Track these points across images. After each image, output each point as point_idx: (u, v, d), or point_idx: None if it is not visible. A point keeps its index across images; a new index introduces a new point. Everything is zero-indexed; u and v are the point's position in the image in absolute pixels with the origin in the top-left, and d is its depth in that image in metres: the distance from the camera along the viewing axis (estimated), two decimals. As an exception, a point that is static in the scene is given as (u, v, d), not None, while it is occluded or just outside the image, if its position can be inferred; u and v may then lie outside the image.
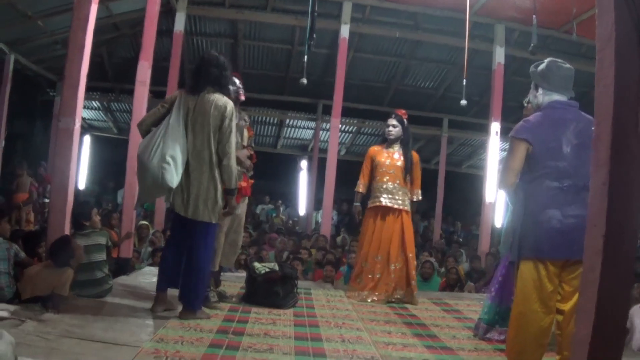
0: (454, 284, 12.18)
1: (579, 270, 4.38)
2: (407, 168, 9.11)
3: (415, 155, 9.30)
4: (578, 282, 4.35)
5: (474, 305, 8.99)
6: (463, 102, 11.48)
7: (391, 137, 9.19)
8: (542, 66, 5.24)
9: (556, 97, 5.14)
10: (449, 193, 22.96)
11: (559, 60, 5.26)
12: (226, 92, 6.97)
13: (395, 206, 8.99)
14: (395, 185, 9.05)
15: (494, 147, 15.55)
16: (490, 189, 15.19)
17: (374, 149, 9.44)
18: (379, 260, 8.93)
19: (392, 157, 9.13)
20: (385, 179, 9.05)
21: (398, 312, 8.22)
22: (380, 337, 6.56)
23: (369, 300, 8.76)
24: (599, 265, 3.48)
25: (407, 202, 9.12)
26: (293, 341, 6.04)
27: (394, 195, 9.02)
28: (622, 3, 3.68)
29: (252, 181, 7.89)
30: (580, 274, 4.05)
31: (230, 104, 6.75)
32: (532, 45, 9.91)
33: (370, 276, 8.95)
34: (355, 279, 9.16)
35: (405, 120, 9.26)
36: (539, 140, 4.93)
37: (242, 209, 7.86)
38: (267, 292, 7.83)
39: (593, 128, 3.78)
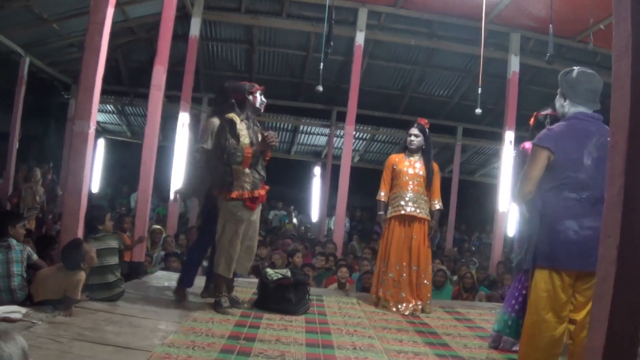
0: (470, 288, 12.20)
1: (592, 281, 4.38)
2: (429, 177, 9.05)
3: (435, 165, 9.23)
4: (591, 293, 4.42)
5: (486, 314, 8.95)
6: (478, 110, 11.41)
7: (413, 146, 9.09)
8: (571, 76, 5.20)
9: (581, 109, 5.11)
10: (462, 201, 22.97)
11: (590, 72, 5.21)
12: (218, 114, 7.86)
13: (420, 215, 8.92)
14: (419, 194, 9.02)
15: (508, 156, 15.54)
16: (503, 198, 15.20)
17: (395, 157, 9.33)
18: (405, 269, 8.89)
19: (414, 166, 9.05)
20: (409, 188, 8.95)
21: (410, 320, 8.17)
22: (392, 345, 6.53)
23: (395, 310, 8.73)
24: (613, 275, 3.46)
25: (428, 211, 9.10)
26: (304, 348, 6.03)
27: (419, 204, 8.96)
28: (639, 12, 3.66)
29: (268, 187, 7.89)
30: (593, 284, 4.07)
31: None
32: (548, 54, 9.86)
33: (398, 287, 8.86)
34: (380, 289, 9.05)
35: (427, 130, 9.20)
36: (561, 150, 4.93)
37: (257, 215, 7.84)
38: (279, 298, 7.82)
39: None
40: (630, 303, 3.54)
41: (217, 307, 7.45)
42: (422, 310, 8.74)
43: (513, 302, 6.74)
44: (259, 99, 7.78)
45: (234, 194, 7.35)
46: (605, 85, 4.35)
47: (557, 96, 5.33)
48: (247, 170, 7.44)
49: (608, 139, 4.27)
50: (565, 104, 5.22)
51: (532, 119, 7.00)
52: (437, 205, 9.14)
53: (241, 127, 7.46)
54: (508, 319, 6.75)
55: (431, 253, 9.33)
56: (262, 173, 7.75)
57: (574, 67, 5.28)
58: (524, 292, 6.51)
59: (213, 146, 7.68)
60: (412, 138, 9.09)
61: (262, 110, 7.96)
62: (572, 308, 4.97)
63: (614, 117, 3.67)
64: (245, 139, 7.44)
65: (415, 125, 9.19)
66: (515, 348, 6.58)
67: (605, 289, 3.53)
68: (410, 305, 8.68)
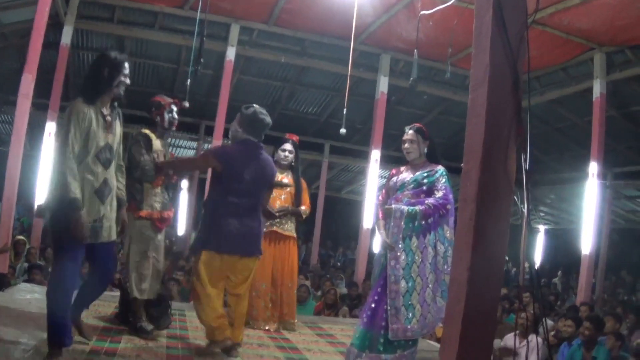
0: (331, 304, 12.34)
1: (245, 264, 6.66)
2: (298, 194, 9.02)
3: (303, 182, 9.21)
4: (245, 274, 6.68)
5: (348, 329, 9.03)
6: (342, 131, 11.36)
7: (286, 162, 8.99)
8: (249, 112, 6.84)
9: (251, 137, 6.83)
10: (328, 217, 23.14)
11: (263, 114, 6.89)
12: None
13: (285, 233, 8.90)
14: None
15: (374, 174, 15.83)
16: (368, 215, 15.43)
17: None
18: (270, 288, 8.77)
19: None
20: (277, 204, 8.82)
21: (272, 336, 8.22)
22: (253, 360, 6.60)
23: (265, 329, 8.69)
24: (464, 296, 3.61)
25: (294, 228, 9.14)
26: (165, 363, 6.05)
27: (285, 222, 8.92)
28: (499, 44, 3.83)
29: (173, 210, 7.69)
30: (246, 267, 6.65)
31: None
32: (411, 79, 9.94)
33: (263, 304, 8.75)
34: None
35: (297, 146, 9.19)
36: (230, 166, 6.59)
37: (162, 236, 7.47)
38: (141, 312, 7.76)
39: (266, 166, 6.85)
40: (481, 323, 3.70)
41: (141, 333, 7.07)
42: (285, 327, 8.78)
43: (364, 314, 6.88)
44: (167, 117, 7.40)
45: (143, 213, 7.06)
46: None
47: (235, 123, 6.94)
48: (158, 190, 7.24)
49: (265, 161, 6.92)
50: (240, 130, 6.85)
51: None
52: (303, 208, 9.12)
53: (156, 144, 7.24)
54: (356, 330, 6.91)
55: (297, 269, 9.38)
56: (171, 194, 7.55)
57: (253, 105, 6.97)
58: (372, 305, 6.70)
59: (127, 160, 7.04)
60: (287, 154, 8.97)
61: (174, 128, 7.63)
62: (232, 285, 6.67)
63: (468, 144, 3.83)
64: (160, 156, 7.23)
65: (290, 141, 9.09)
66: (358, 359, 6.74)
67: (457, 309, 3.67)
68: (275, 324, 8.71)
